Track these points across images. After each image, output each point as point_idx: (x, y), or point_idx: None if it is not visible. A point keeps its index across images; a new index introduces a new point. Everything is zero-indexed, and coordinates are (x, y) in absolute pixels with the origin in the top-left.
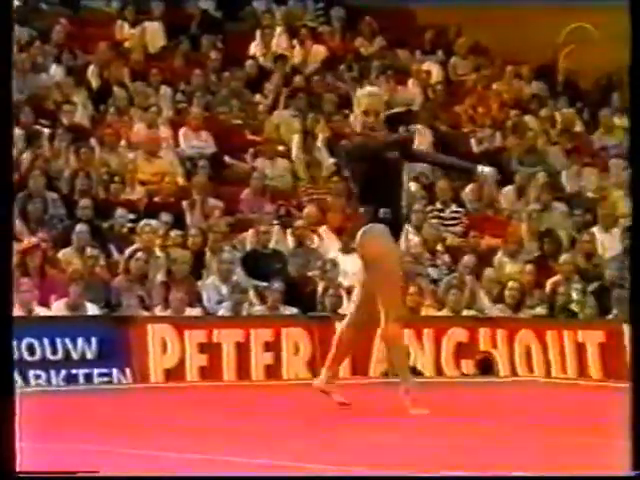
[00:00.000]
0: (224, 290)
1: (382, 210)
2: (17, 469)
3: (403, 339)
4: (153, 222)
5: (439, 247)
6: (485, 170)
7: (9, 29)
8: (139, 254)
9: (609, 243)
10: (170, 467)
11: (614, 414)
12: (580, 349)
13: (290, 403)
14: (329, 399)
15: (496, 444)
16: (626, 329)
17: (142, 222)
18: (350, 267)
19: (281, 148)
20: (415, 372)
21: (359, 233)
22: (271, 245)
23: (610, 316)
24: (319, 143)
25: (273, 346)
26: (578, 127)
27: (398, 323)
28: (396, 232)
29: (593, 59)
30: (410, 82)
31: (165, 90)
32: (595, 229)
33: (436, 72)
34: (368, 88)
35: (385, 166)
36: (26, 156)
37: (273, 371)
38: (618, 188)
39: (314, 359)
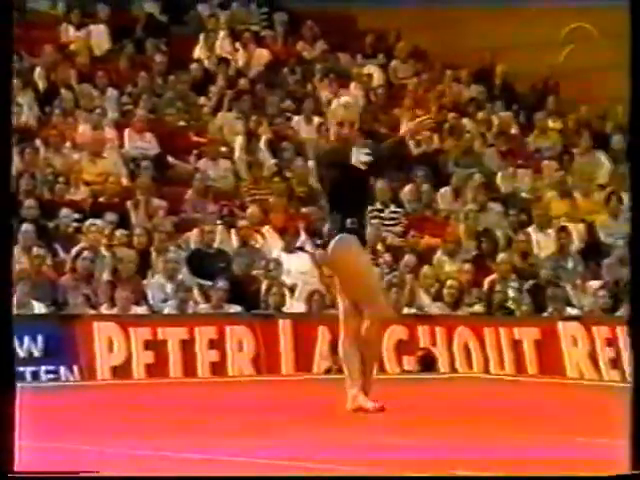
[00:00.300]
0: (169, 289)
1: (349, 220)
2: None
3: (382, 340)
4: (98, 222)
5: (379, 247)
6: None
7: (9, 29)
8: (85, 253)
9: (544, 242)
10: (118, 464)
11: (551, 409)
12: (516, 345)
13: (235, 399)
14: (272, 394)
15: (438, 440)
16: (560, 326)
17: (88, 222)
18: (293, 266)
19: (224, 149)
20: None
21: (330, 246)
22: (215, 245)
23: (545, 314)
24: (262, 144)
25: (218, 343)
26: (514, 130)
27: (378, 322)
28: (362, 239)
29: (529, 63)
30: (352, 85)
31: (111, 92)
32: (530, 229)
33: (377, 76)
34: (343, 98)
35: (353, 174)
36: None
37: (218, 368)
38: (552, 189)
39: (258, 356)
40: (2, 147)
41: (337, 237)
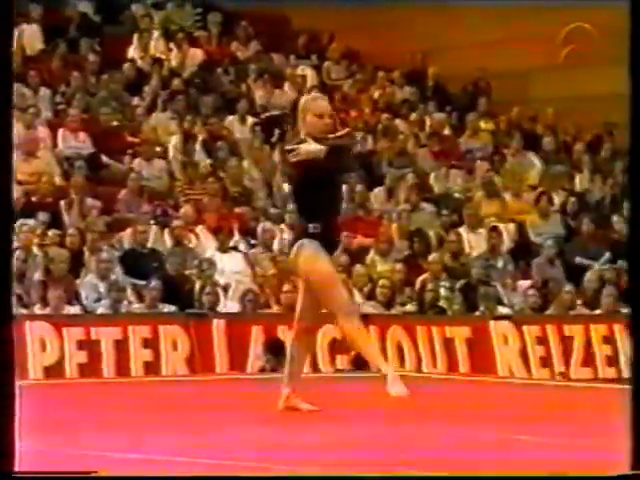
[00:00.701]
0: (102, 288)
1: (311, 225)
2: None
3: (361, 330)
4: (31, 221)
5: None
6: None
7: (10, 29)
8: (17, 253)
9: (475, 242)
10: (51, 463)
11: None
12: (448, 344)
13: (169, 399)
14: (207, 393)
15: (372, 438)
16: (492, 325)
17: (19, 221)
18: (227, 266)
19: (158, 149)
20: None
21: (292, 250)
22: (149, 244)
23: (476, 312)
24: (196, 145)
25: (151, 343)
26: (446, 131)
27: (349, 318)
28: (329, 244)
29: (461, 64)
30: (286, 86)
31: (44, 92)
32: (462, 229)
33: (311, 76)
34: (313, 94)
35: (323, 177)
36: None
37: (152, 367)
38: (483, 189)
39: (192, 355)
40: (3, 147)
41: (298, 242)
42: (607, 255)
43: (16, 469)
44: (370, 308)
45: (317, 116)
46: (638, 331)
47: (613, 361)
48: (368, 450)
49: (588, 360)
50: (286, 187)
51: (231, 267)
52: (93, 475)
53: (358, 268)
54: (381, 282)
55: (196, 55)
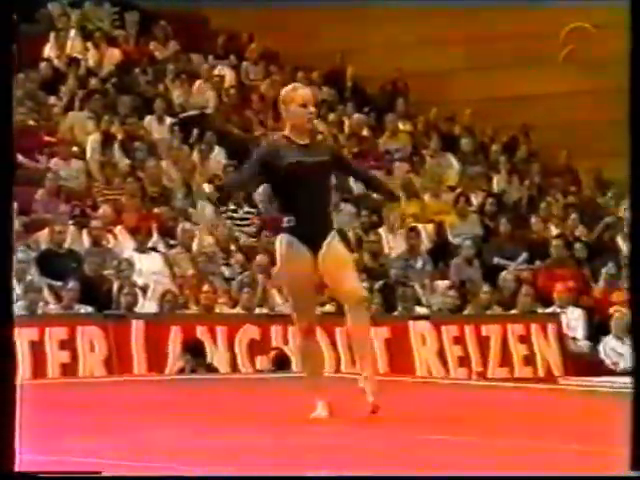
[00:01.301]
0: (18, 289)
1: (286, 219)
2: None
3: (311, 344)
4: None
5: (232, 247)
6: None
7: (10, 29)
8: None
9: (394, 243)
10: None
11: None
12: (389, 344)
13: (86, 400)
14: (124, 395)
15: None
16: (410, 325)
17: None
18: (145, 266)
19: (76, 149)
20: (210, 369)
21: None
22: (66, 245)
23: (395, 313)
24: (114, 144)
25: (68, 344)
26: (365, 131)
27: (301, 326)
28: (312, 240)
29: (379, 65)
30: (204, 86)
31: None
32: (381, 229)
33: (229, 76)
34: (292, 84)
35: (304, 172)
36: None
37: (69, 369)
38: (402, 190)
39: (110, 357)
40: (3, 147)
41: (279, 234)
42: (524, 255)
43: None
44: (289, 309)
45: (301, 106)
46: (638, 328)
47: (529, 360)
48: (278, 452)
49: (505, 360)
50: (206, 187)
51: (149, 267)
52: (93, 475)
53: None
54: None
55: (113, 55)
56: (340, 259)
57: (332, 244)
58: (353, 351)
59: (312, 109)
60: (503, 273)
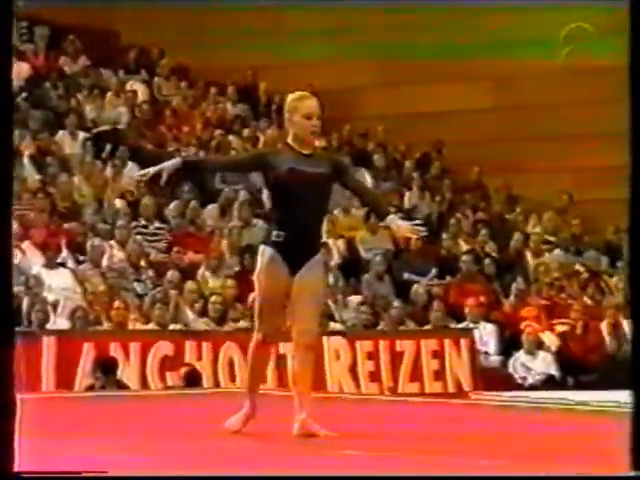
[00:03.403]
0: None
1: (275, 232)
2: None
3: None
4: None
5: (143, 262)
6: (396, 223)
7: (9, 29)
8: None
9: None
10: None
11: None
12: (280, 360)
13: None
14: (33, 413)
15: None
16: (324, 340)
17: None
18: (55, 282)
19: None
20: (120, 385)
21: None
22: None
23: None
24: (24, 159)
25: None
26: (279, 146)
27: (257, 336)
28: (296, 259)
29: (291, 81)
30: (116, 101)
31: None
32: None
33: (142, 91)
34: (299, 93)
35: (303, 181)
36: None
37: None
38: None
39: (19, 375)
40: (3, 147)
41: (261, 245)
42: (434, 271)
43: None
44: (203, 325)
45: (306, 117)
46: (638, 329)
47: (440, 375)
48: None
49: (416, 375)
50: (118, 202)
51: (59, 284)
52: (93, 475)
53: (189, 284)
54: (213, 298)
55: (22, 69)
56: (313, 291)
57: (313, 271)
58: (294, 391)
59: (317, 122)
60: (415, 286)
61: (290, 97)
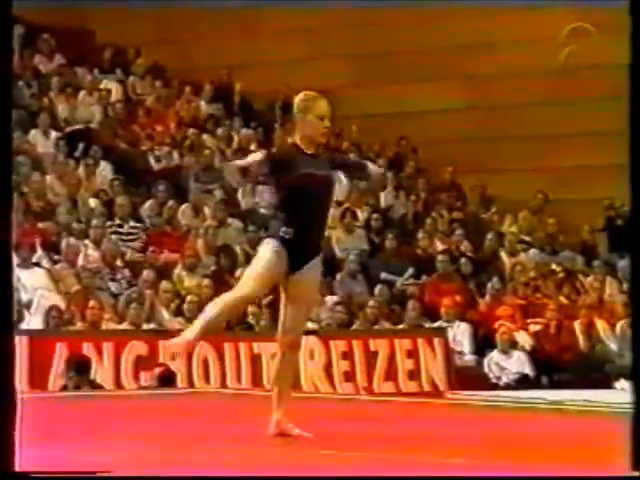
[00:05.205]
0: None
1: (284, 229)
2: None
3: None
4: None
5: (118, 262)
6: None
7: (9, 30)
8: None
9: None
10: None
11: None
12: (256, 360)
13: None
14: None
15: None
16: (303, 340)
17: None
18: (29, 282)
19: None
20: (94, 385)
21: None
22: None
23: None
24: None
25: None
26: (253, 146)
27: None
28: (298, 258)
29: (266, 81)
30: (90, 100)
31: None
32: None
33: (115, 90)
34: (310, 92)
35: (314, 184)
36: None
37: None
38: None
39: None
40: (3, 147)
41: (265, 239)
42: (410, 270)
43: None
44: (178, 324)
45: (318, 118)
46: (638, 331)
47: (414, 375)
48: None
49: (391, 374)
50: (92, 202)
51: (33, 283)
52: (93, 475)
53: (165, 284)
54: (189, 298)
55: None
56: (309, 293)
57: (312, 273)
58: (273, 390)
59: (328, 123)
60: (391, 288)
61: (300, 97)
